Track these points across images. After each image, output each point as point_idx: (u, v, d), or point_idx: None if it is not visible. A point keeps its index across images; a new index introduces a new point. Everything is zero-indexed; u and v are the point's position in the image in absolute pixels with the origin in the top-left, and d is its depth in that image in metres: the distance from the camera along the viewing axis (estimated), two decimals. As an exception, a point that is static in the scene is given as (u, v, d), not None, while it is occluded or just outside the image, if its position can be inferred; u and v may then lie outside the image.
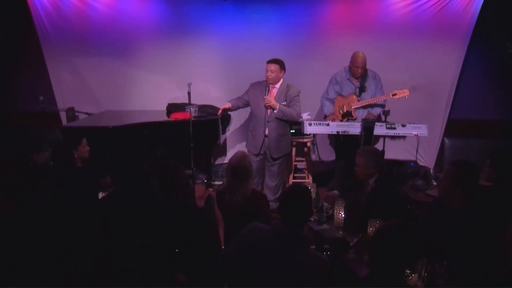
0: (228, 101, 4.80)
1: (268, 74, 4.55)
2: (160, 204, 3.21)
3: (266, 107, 4.53)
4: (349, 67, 4.86)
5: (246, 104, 4.76)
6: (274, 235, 2.25)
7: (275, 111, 4.53)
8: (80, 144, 3.74)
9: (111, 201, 3.12)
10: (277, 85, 4.61)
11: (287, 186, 4.94)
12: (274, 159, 4.67)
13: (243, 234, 2.33)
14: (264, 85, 4.60)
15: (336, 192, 3.75)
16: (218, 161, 6.00)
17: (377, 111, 4.85)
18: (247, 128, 4.94)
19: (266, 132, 4.56)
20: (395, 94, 4.63)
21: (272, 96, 4.57)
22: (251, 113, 4.78)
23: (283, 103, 4.55)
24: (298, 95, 4.60)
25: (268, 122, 4.54)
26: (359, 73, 4.80)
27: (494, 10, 5.46)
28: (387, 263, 1.95)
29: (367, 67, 4.86)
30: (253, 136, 4.68)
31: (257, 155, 4.65)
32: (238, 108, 4.84)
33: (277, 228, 2.27)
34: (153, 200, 3.18)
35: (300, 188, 2.44)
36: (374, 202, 3.20)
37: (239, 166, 3.24)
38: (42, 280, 2.51)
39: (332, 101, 4.95)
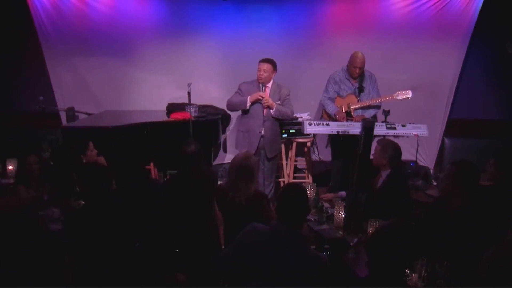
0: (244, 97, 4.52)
1: (261, 73, 4.48)
2: (161, 204, 3.21)
3: (263, 107, 4.48)
4: (347, 67, 4.85)
5: None
6: (274, 235, 2.25)
7: (271, 110, 4.50)
8: (88, 148, 3.74)
9: (112, 201, 3.12)
10: (269, 85, 4.59)
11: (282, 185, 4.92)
12: (269, 159, 4.64)
13: (242, 235, 2.33)
14: (256, 85, 4.53)
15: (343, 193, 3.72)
16: (218, 161, 5.99)
17: (370, 113, 4.84)
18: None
19: (262, 132, 4.50)
20: (398, 95, 4.66)
21: (267, 95, 4.53)
22: (242, 113, 4.66)
23: (277, 103, 4.53)
24: (289, 94, 4.61)
25: (264, 121, 4.50)
26: (357, 73, 4.78)
27: (494, 10, 5.45)
28: (385, 263, 1.95)
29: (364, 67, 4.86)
30: (247, 137, 4.59)
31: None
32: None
33: (277, 228, 2.27)
34: (153, 200, 3.19)
35: (295, 187, 2.45)
36: (381, 197, 3.28)
37: (243, 165, 3.11)
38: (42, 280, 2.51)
39: (333, 100, 4.94)
